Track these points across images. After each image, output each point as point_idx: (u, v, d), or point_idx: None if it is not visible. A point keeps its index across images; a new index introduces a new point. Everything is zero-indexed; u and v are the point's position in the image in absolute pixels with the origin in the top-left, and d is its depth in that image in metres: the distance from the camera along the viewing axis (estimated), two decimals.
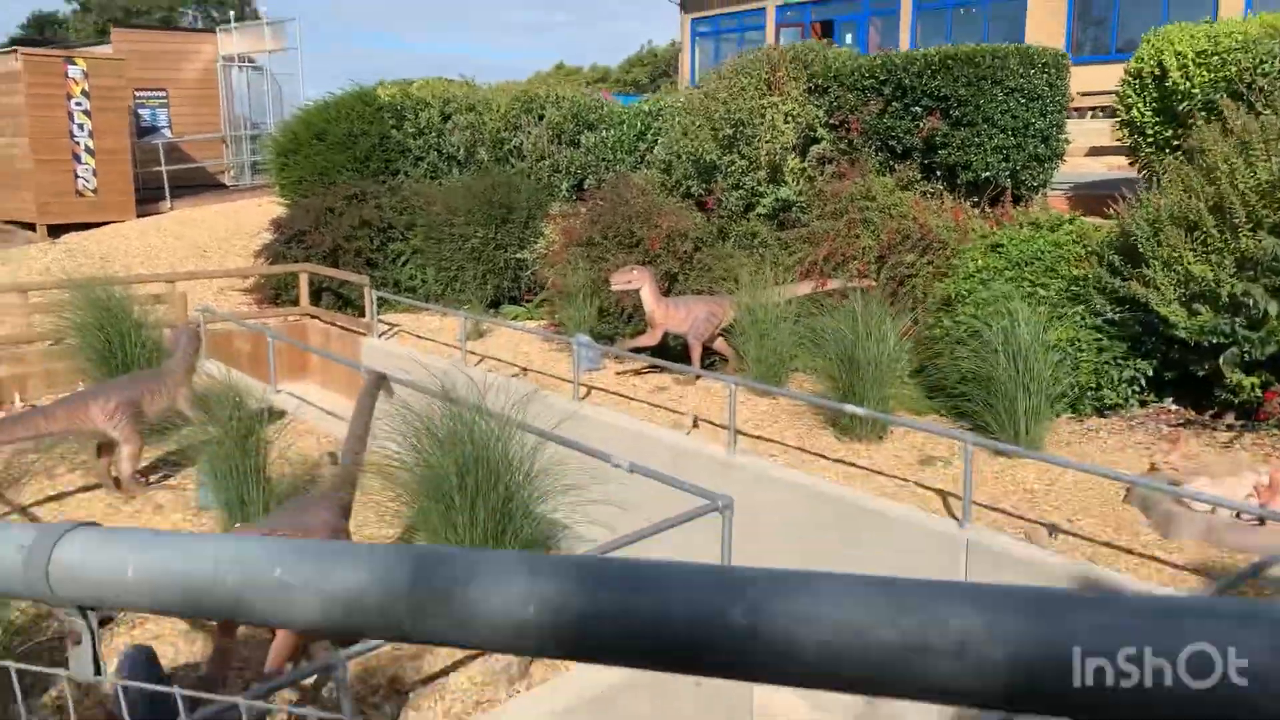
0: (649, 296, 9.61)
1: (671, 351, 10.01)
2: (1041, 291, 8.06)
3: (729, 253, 10.64)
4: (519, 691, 4.43)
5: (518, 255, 13.25)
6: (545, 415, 5.96)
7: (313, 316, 13.35)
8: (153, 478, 7.28)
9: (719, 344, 9.85)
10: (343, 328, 12.90)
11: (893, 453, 7.64)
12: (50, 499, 6.99)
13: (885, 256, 9.78)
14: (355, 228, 14.01)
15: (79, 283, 9.17)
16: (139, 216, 18.05)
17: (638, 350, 9.63)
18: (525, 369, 10.54)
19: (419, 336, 12.32)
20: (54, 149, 17.04)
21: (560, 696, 4.34)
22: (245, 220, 17.51)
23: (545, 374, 10.40)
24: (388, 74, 15.67)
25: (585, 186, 13.57)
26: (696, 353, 9.65)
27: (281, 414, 9.00)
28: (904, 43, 24.14)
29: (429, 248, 14.01)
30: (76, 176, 17.24)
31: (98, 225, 17.49)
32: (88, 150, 17.31)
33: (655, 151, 12.93)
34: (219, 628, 4.18)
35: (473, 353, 11.41)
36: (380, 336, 12.21)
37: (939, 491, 6.85)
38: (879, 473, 7.25)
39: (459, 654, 4.69)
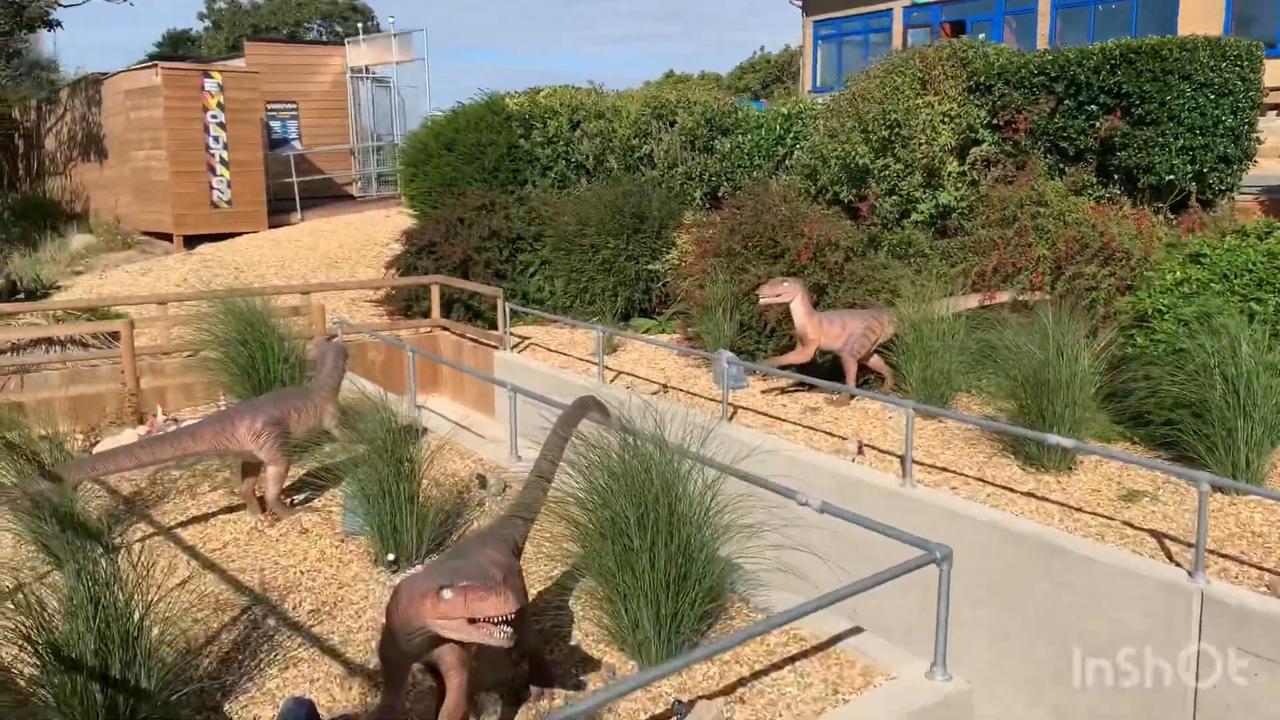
0: (800, 310, 9.02)
1: (819, 369, 9.39)
2: (1256, 307, 7.19)
3: (883, 263, 9.97)
4: None
5: (649, 266, 12.80)
6: (694, 439, 5.46)
7: (443, 328, 13.14)
8: (296, 498, 7.01)
9: (874, 361, 9.20)
10: (474, 340, 12.64)
11: (1088, 486, 6.89)
12: (194, 520, 6.77)
13: (1061, 267, 8.99)
14: (484, 239, 13.77)
15: (218, 294, 9.05)
16: (270, 228, 18.25)
17: (786, 368, 9.04)
18: (665, 386, 10.06)
19: (550, 350, 11.96)
20: (190, 161, 17.34)
21: None
22: (374, 231, 17.53)
23: (686, 391, 9.90)
24: (497, 88, 15.37)
25: (720, 195, 13.06)
26: (851, 371, 9.02)
27: (423, 431, 8.70)
28: (1041, 41, 22.98)
29: (558, 259, 13.68)
30: (212, 188, 17.52)
31: (231, 236, 17.74)
32: (222, 162, 17.57)
33: (796, 156, 12.33)
34: (386, 682, 3.77)
35: (608, 368, 10.99)
36: (512, 349, 11.89)
37: (1152, 532, 6.09)
38: (1076, 509, 6.52)
39: (643, 714, 4.20)
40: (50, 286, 14.91)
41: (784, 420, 8.74)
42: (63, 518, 6.10)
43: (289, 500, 6.86)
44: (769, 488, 4.98)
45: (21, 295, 14.07)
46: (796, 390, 9.62)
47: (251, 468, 6.71)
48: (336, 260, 15.96)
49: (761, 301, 9.16)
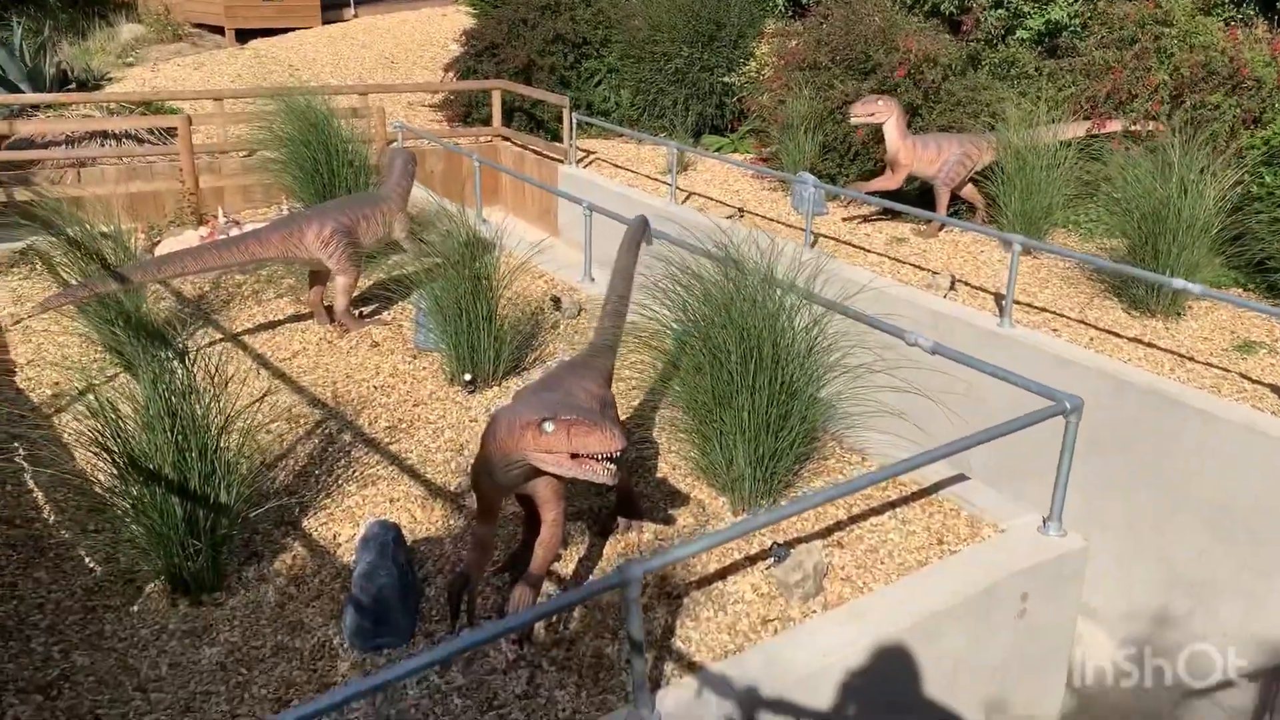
0: (894, 132, 8.40)
1: (905, 197, 8.83)
2: None
3: (984, 84, 9.23)
4: (814, 611, 3.73)
5: (724, 79, 12.05)
6: (797, 271, 5.09)
7: (504, 138, 12.60)
8: (365, 310, 6.79)
9: (967, 190, 8.63)
10: (536, 152, 12.11)
11: (1198, 334, 6.46)
12: (262, 327, 6.58)
13: (1182, 95, 8.23)
14: (549, 42, 13.01)
15: (279, 91, 8.58)
16: (323, 23, 17.46)
17: (875, 194, 8.51)
18: (741, 210, 9.58)
19: (616, 166, 11.44)
20: None
21: (865, 622, 3.62)
22: (431, 30, 16.71)
23: (763, 216, 9.42)
24: None
25: (806, 2, 12.12)
26: (944, 199, 8.48)
27: (490, 246, 8.37)
28: None
29: (626, 67, 12.94)
30: None
31: (283, 31, 17.02)
32: None
33: None
34: (479, 512, 3.58)
35: (679, 188, 10.48)
36: (577, 164, 11.38)
37: (1272, 387, 5.69)
38: (1187, 358, 6.12)
39: (738, 554, 4.02)
40: (102, 78, 14.43)
41: (869, 250, 8.29)
42: (134, 321, 5.93)
43: (358, 312, 6.63)
44: (878, 326, 4.63)
45: (73, 86, 13.63)
46: (880, 219, 9.11)
47: (319, 276, 6.46)
48: (393, 60, 15.26)
49: (852, 120, 8.54)
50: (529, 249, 6.42)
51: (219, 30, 16.89)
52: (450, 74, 13.87)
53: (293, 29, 17.02)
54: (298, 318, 6.72)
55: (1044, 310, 6.88)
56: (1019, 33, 9.41)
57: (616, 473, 3.23)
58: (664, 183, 10.63)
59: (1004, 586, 3.89)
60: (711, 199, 10.04)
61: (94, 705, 3.34)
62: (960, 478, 4.55)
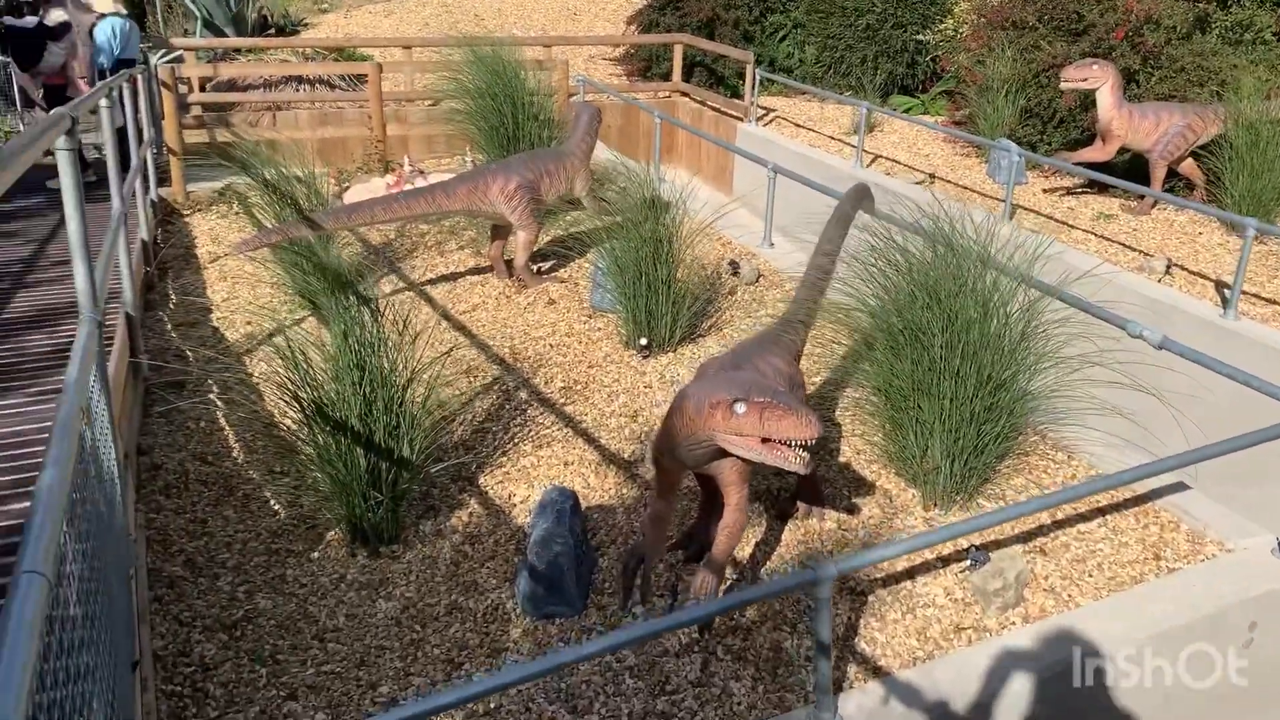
0: (1109, 99, 7.76)
1: (1112, 169, 8.17)
2: None
3: (1212, 48, 8.41)
4: (1013, 623, 3.44)
5: (918, 36, 11.46)
6: (1011, 249, 4.70)
7: (683, 94, 12.37)
8: (543, 266, 6.74)
9: (1185, 165, 7.91)
10: (714, 109, 11.84)
11: None
12: (443, 278, 6.63)
13: None
14: None
15: (465, 40, 8.61)
16: None
17: (1083, 164, 7.89)
18: (932, 175, 9.09)
19: (797, 125, 11.06)
20: None
21: (1070, 641, 3.31)
22: None
23: (955, 183, 8.91)
24: None
25: None
26: (1159, 175, 7.80)
27: (667, 206, 8.22)
28: None
29: (812, 23, 12.47)
30: None
31: None
32: None
33: None
34: (658, 488, 3.44)
35: (864, 150, 10.05)
36: (756, 122, 11.06)
37: None
38: None
39: (929, 553, 3.75)
40: (298, 23, 14.96)
41: (1073, 226, 7.72)
42: (323, 266, 6.05)
43: (536, 268, 6.59)
44: (1100, 315, 4.23)
45: (272, 30, 14.16)
46: (1085, 192, 8.48)
47: (500, 231, 6.44)
48: (575, 11, 15.21)
49: (1062, 85, 7.93)
50: (709, 210, 6.20)
51: None
52: (632, 27, 13.71)
53: None
54: (477, 270, 6.74)
55: (1273, 303, 6.22)
56: None
57: (810, 461, 3.02)
58: (848, 144, 10.21)
59: (1231, 614, 3.50)
60: (899, 163, 9.57)
61: (275, 650, 3.38)
62: (1180, 486, 4.13)
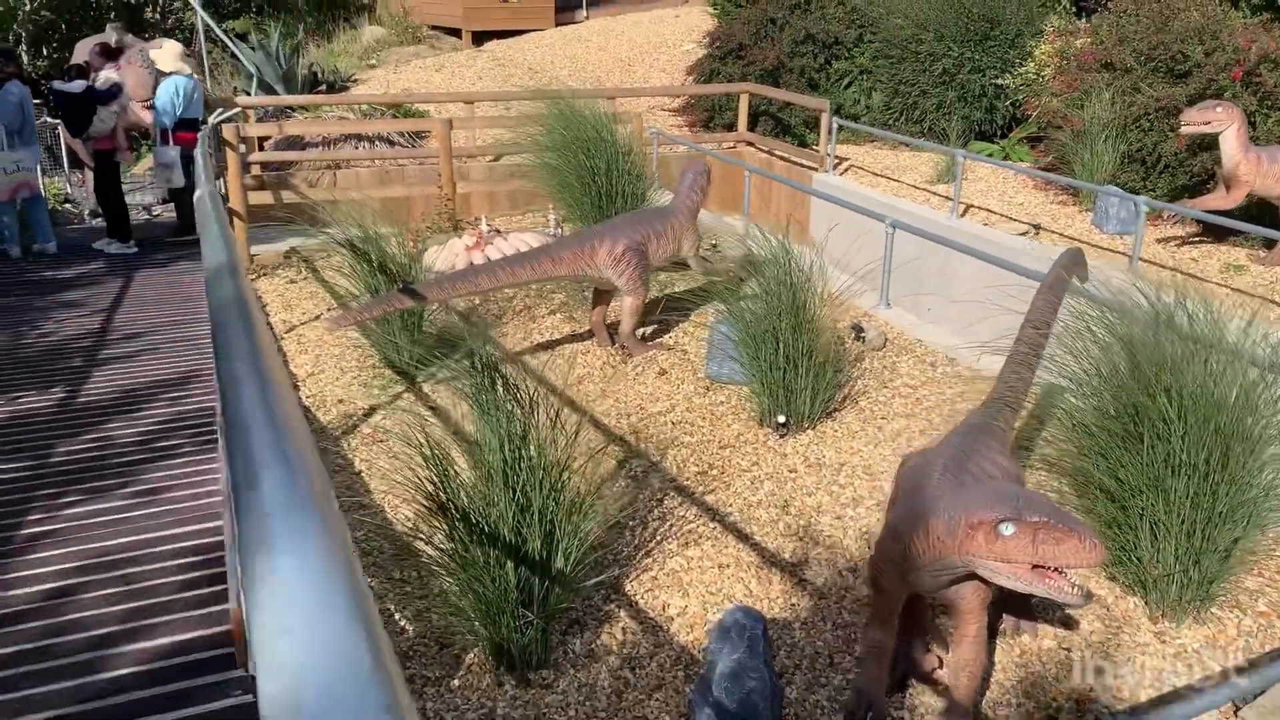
0: (1234, 143, 7.26)
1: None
2: None
3: None
4: None
5: (997, 81, 11.03)
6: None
7: (748, 143, 11.98)
8: (644, 331, 6.28)
9: None
10: (783, 158, 11.44)
11: None
12: (540, 347, 6.17)
13: None
14: (799, 43, 12.32)
15: (539, 94, 8.26)
16: (556, 25, 17.36)
17: (1210, 212, 7.38)
18: (1036, 226, 8.59)
19: (875, 174, 10.62)
20: None
21: None
22: (664, 31, 16.30)
23: (1061, 234, 8.41)
24: None
25: (1091, 2, 10.96)
26: None
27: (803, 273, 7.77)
28: None
29: (881, 68, 12.08)
30: None
31: (517, 33, 17.00)
32: None
33: None
34: (877, 613, 2.92)
35: (947, 198, 9.59)
36: (833, 171, 10.63)
37: None
38: None
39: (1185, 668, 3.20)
40: (348, 79, 14.72)
41: (1202, 279, 7.19)
42: (417, 335, 5.63)
43: (640, 334, 6.13)
44: None
45: (323, 87, 13.93)
46: (1201, 241, 7.96)
47: (602, 295, 5.99)
48: (629, 63, 14.92)
49: (1184, 130, 7.44)
50: (838, 276, 5.72)
51: (455, 32, 17.04)
52: (690, 77, 13.39)
53: (527, 30, 16.98)
54: (575, 337, 6.29)
55: None
56: None
57: (1088, 594, 2.51)
58: (932, 193, 9.76)
59: None
60: (993, 212, 9.09)
61: None
62: None
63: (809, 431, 4.90)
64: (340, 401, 5.50)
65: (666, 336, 6.25)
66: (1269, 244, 7.74)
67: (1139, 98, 8.84)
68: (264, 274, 8.12)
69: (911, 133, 11.57)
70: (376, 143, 10.84)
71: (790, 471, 4.57)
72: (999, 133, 11.30)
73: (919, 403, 5.19)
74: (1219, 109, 7.27)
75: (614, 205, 6.96)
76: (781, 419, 4.80)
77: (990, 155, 10.90)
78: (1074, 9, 11.12)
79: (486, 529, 3.27)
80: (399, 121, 10.55)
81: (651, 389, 5.52)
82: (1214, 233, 7.88)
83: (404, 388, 5.63)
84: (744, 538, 4.10)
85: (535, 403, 3.50)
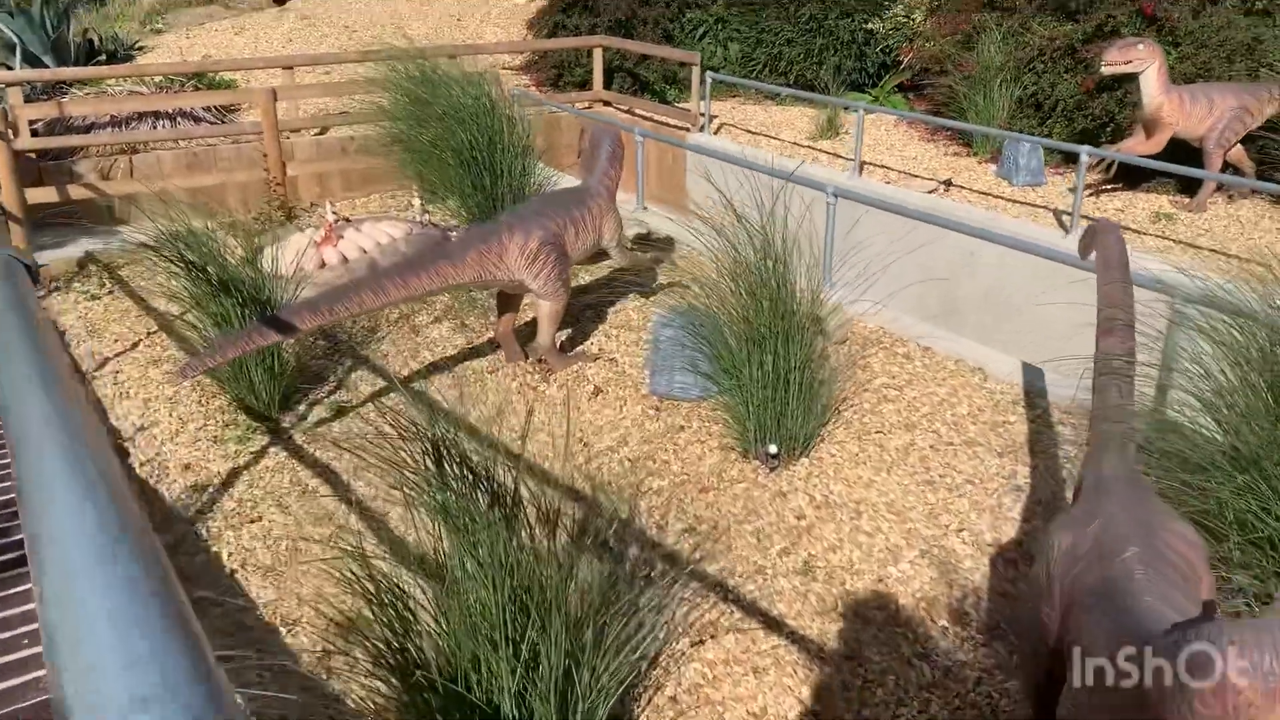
0: (1156, 84, 6.79)
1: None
2: None
3: (1231, 19, 7.58)
4: None
5: (866, 26, 10.37)
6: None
7: (606, 103, 10.93)
8: (560, 339, 5.20)
9: (1234, 153, 7.03)
10: (647, 118, 10.44)
11: None
12: (432, 368, 5.00)
13: None
14: None
15: (389, 54, 7.00)
16: None
17: (1132, 158, 6.90)
18: (946, 183, 7.94)
19: (752, 132, 9.79)
20: None
21: None
22: None
23: (970, 189, 7.80)
24: None
25: None
26: (1217, 164, 6.89)
27: (669, 242, 6.79)
28: None
29: (736, 17, 11.24)
30: None
31: None
32: None
33: None
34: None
35: (835, 154, 8.87)
36: (707, 131, 9.73)
37: None
38: None
39: None
40: (132, 47, 12.72)
41: (1140, 233, 6.70)
42: (275, 368, 4.39)
43: (561, 348, 5.05)
44: None
45: (103, 57, 11.93)
46: (1116, 189, 7.51)
47: (509, 300, 4.88)
48: (459, 18, 13.51)
49: (1104, 70, 6.90)
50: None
51: None
52: (531, 32, 12.20)
53: None
54: (473, 351, 5.15)
55: None
56: None
57: None
58: (818, 150, 9.02)
59: None
60: (890, 168, 8.42)
61: None
62: None
63: (803, 460, 3.99)
64: (187, 468, 4.20)
65: (589, 343, 5.20)
66: (1185, 188, 7.38)
67: (1031, 38, 8.33)
68: (55, 288, 6.54)
69: (778, 85, 10.79)
70: (179, 120, 9.18)
71: (798, 519, 3.66)
72: (870, 81, 10.67)
73: (913, 408, 4.37)
74: (1140, 46, 6.76)
75: (499, 185, 5.81)
76: (773, 449, 3.87)
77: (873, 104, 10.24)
78: None
79: (478, 703, 2.20)
80: (210, 94, 8.94)
81: (590, 416, 4.48)
82: (1125, 178, 7.44)
83: (267, 438, 4.38)
84: (772, 623, 3.16)
85: (519, 501, 2.43)
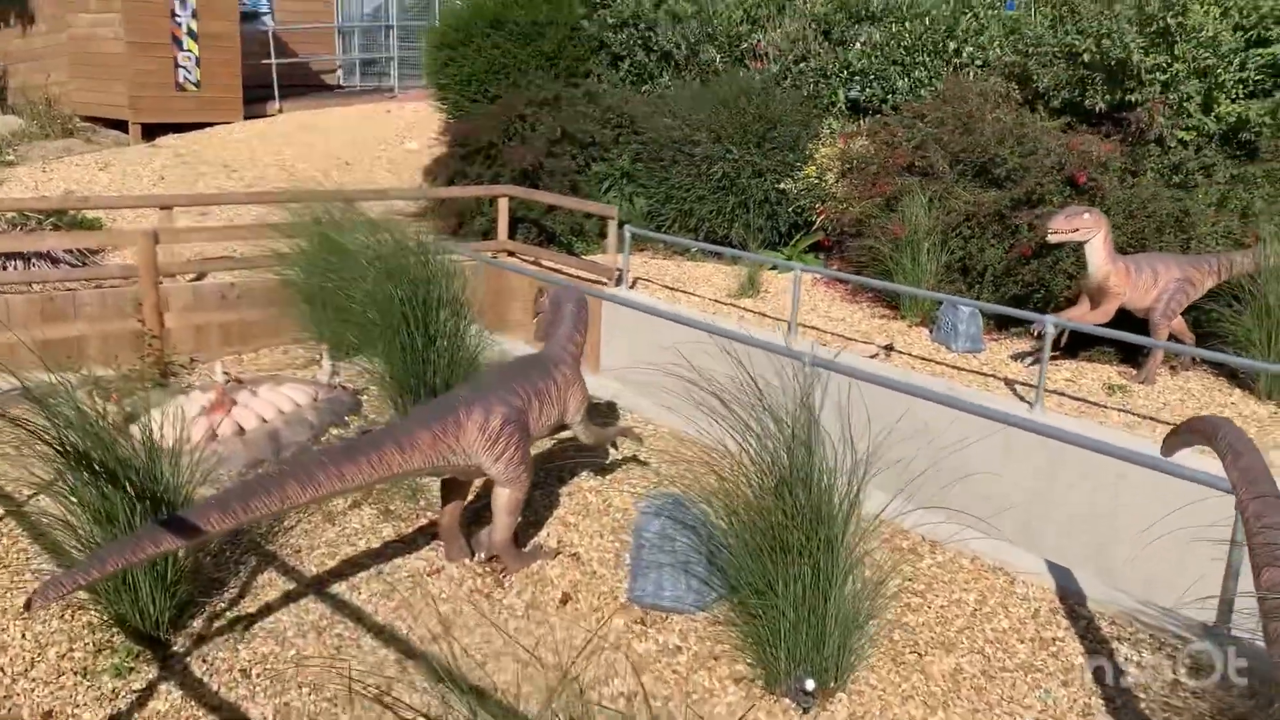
0: (1102, 253, 6.69)
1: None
2: None
3: (1158, 191, 7.65)
4: None
5: (779, 186, 10.24)
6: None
7: (510, 253, 10.40)
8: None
9: (1176, 324, 6.94)
10: (554, 269, 9.93)
11: None
12: (355, 565, 4.12)
13: None
14: (554, 142, 11.00)
15: (280, 195, 6.32)
16: (245, 118, 14.96)
17: (1082, 328, 6.71)
18: (888, 347, 7.61)
19: (670, 288, 9.38)
20: (151, 31, 13.87)
21: None
22: (377, 130, 14.45)
23: (910, 354, 7.48)
24: None
25: (864, 102, 10.49)
26: (1163, 335, 6.76)
27: (611, 409, 6.13)
28: None
29: (644, 171, 11.00)
30: (177, 66, 14.08)
31: (197, 126, 14.44)
32: (190, 34, 14.13)
33: (972, 54, 9.81)
34: None
35: (759, 313, 8.50)
36: (625, 286, 9.26)
37: None
38: None
39: None
40: None
41: (1099, 405, 6.43)
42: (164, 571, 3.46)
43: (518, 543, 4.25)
44: None
45: None
46: (1056, 358, 7.30)
47: (456, 488, 4.10)
48: (348, 161, 12.89)
49: (1050, 238, 6.75)
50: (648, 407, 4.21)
51: (119, 125, 14.19)
52: (428, 179, 11.69)
53: (210, 124, 14.47)
54: (405, 544, 4.30)
55: None
56: (1183, 133, 7.92)
57: None
58: (741, 308, 8.65)
59: None
60: (820, 329, 8.07)
61: None
62: None
63: (840, 697, 3.29)
64: (48, 715, 3.18)
65: (543, 534, 4.43)
66: (1126, 358, 7.25)
67: (955, 203, 8.25)
68: None
69: (690, 241, 10.51)
70: (34, 262, 8.13)
71: None
72: (781, 240, 10.49)
73: (944, 620, 3.75)
74: (1086, 215, 6.66)
75: (431, 348, 5.07)
76: (810, 685, 3.16)
77: (773, 267, 10.00)
78: (849, 112, 10.62)
79: None
80: (78, 234, 7.96)
81: (563, 632, 3.69)
82: (1063, 347, 7.25)
83: (155, 668, 3.42)
84: None
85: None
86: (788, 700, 3.23)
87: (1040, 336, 6.92)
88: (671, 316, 6.84)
